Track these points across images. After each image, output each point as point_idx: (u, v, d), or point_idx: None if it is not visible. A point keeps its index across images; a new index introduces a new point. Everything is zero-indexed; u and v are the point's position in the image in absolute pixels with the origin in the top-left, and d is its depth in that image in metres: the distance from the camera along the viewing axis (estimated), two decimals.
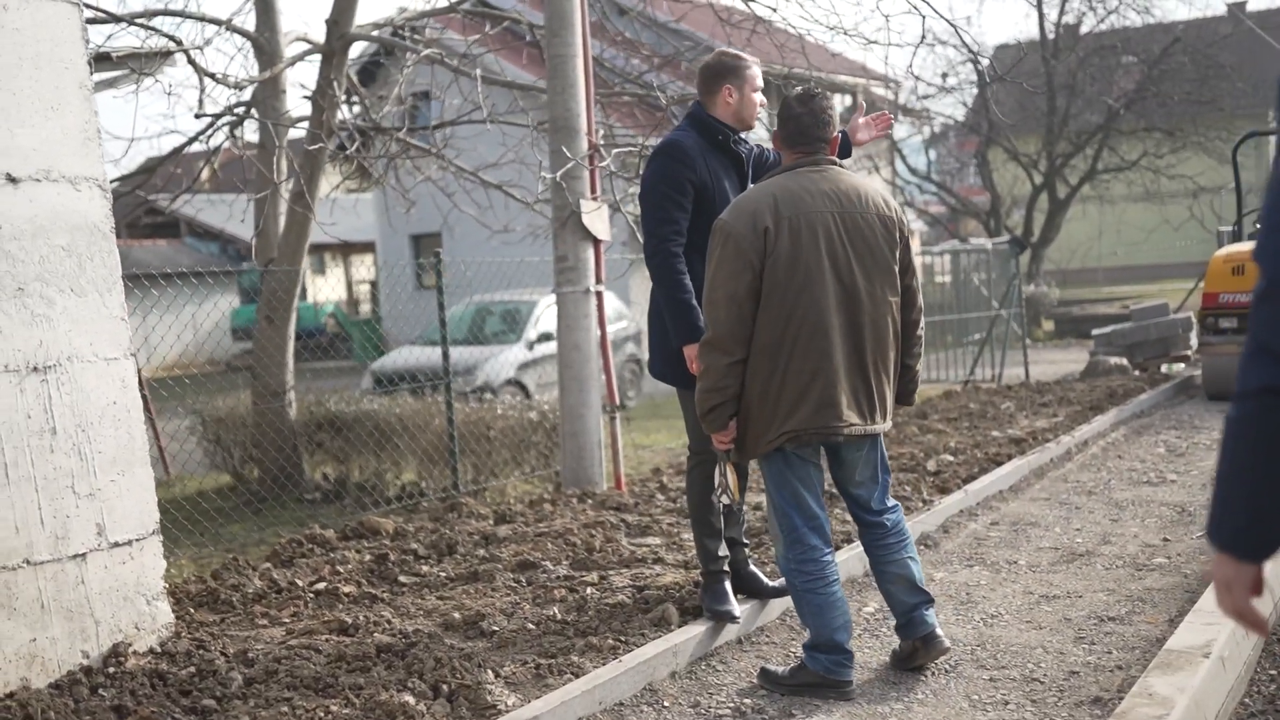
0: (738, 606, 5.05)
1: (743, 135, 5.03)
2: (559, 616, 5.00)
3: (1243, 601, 1.90)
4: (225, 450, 10.53)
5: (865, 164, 24.50)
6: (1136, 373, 13.80)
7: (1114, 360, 13.94)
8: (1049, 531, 6.90)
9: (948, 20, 8.79)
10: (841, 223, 4.11)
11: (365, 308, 33.49)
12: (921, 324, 4.43)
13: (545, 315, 15.29)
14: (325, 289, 32.60)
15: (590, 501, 7.33)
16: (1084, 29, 24.26)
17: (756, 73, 4.92)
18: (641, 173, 8.12)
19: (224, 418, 10.41)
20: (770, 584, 5.34)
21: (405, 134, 9.53)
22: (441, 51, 9.11)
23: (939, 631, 4.56)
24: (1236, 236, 13.47)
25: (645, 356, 18.17)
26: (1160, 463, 8.78)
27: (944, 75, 22.98)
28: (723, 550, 5.08)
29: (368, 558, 6.13)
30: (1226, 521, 1.89)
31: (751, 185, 4.24)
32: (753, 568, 5.36)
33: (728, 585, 5.09)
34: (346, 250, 31.92)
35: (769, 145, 5.03)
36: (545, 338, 15.10)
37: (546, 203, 11.21)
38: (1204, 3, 52.45)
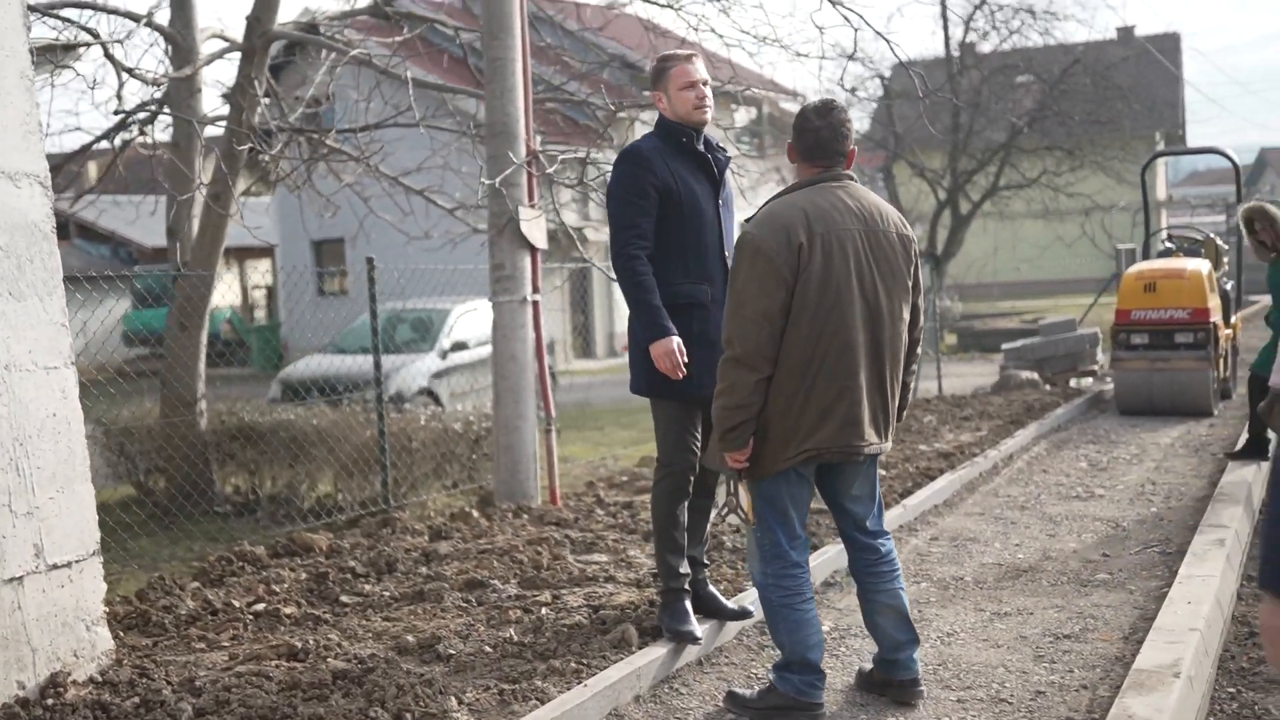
0: (699, 626, 4.93)
1: (716, 142, 4.96)
2: (516, 638, 4.82)
3: None
4: (129, 461, 10.10)
5: (773, 176, 24.63)
6: (1048, 387, 14.02)
7: (1025, 374, 14.15)
8: (989, 547, 6.91)
9: (882, 35, 8.79)
10: (867, 240, 4.03)
11: (261, 314, 32.73)
12: (920, 341, 4.37)
13: (459, 324, 15.04)
14: (220, 294, 31.76)
15: (527, 516, 7.15)
16: (987, 48, 24.72)
17: (686, 68, 4.84)
18: (584, 180, 8.06)
19: (128, 427, 9.99)
20: (729, 605, 5.23)
21: (331, 137, 9.24)
22: (369, 52, 8.86)
23: (920, 680, 4.47)
24: (1144, 254, 13.78)
25: (560, 366, 18.02)
26: (1085, 477, 8.87)
27: (853, 90, 23.20)
28: (684, 568, 4.96)
29: (304, 576, 5.88)
30: None
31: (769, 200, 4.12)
32: (711, 588, 5.24)
33: (688, 604, 4.97)
34: (242, 255, 31.17)
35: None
36: (459, 346, 14.85)
37: (470, 209, 11.03)
38: (1103, 25, 53.91)
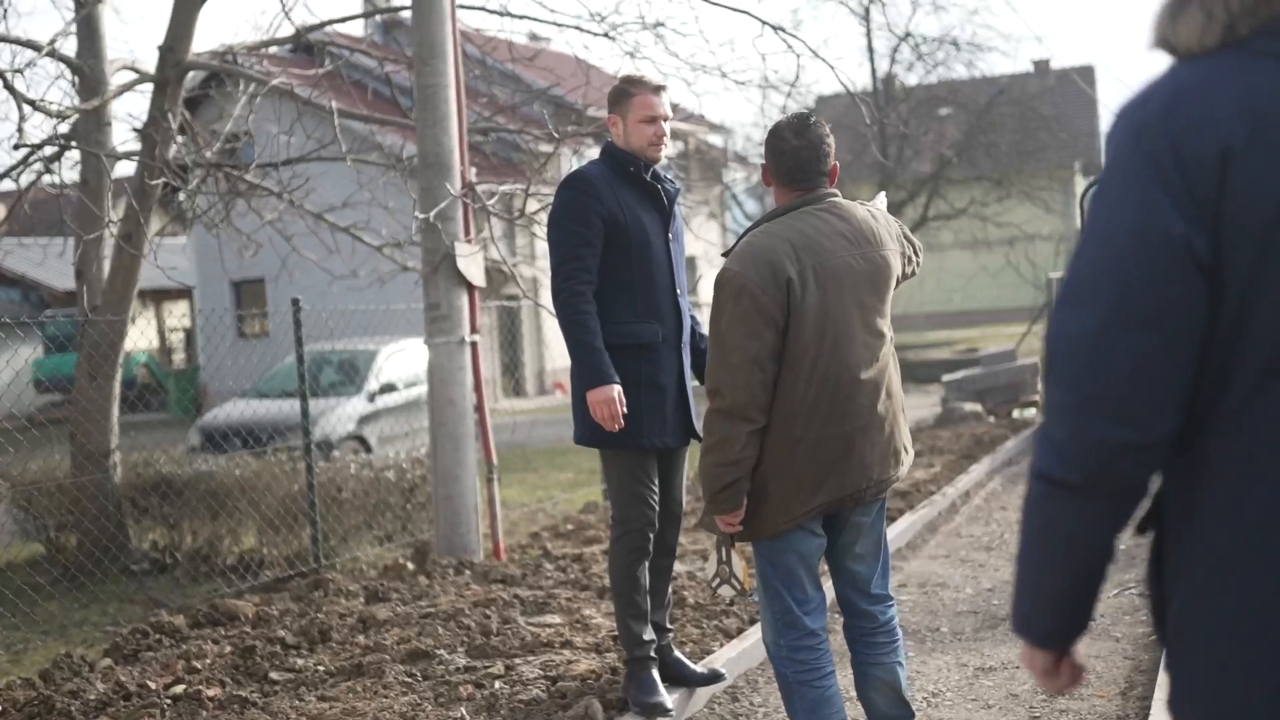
0: (669, 697, 4.50)
1: (664, 173, 4.59)
2: (469, 718, 4.35)
3: (1057, 684, 1.82)
4: (38, 517, 9.45)
5: (702, 209, 24.39)
6: (991, 419, 13.80)
7: (968, 406, 13.91)
8: (960, 593, 6.56)
9: (826, 62, 8.52)
10: (863, 265, 3.61)
11: (180, 358, 31.77)
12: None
13: (387, 365, 14.51)
14: (136, 338, 30.69)
15: (470, 573, 6.66)
16: (913, 80, 24.75)
17: (652, 100, 4.46)
18: (524, 212, 7.63)
19: (36, 480, 9.34)
20: (697, 670, 4.80)
21: (251, 172, 8.72)
22: (290, 83, 8.38)
23: None
24: None
25: (490, 405, 17.49)
26: None
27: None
28: (649, 634, 4.53)
29: (228, 650, 5.33)
30: (1017, 606, 1.80)
31: (755, 228, 3.68)
32: (677, 653, 4.81)
33: (656, 673, 4.54)
34: (159, 297, 30.25)
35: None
36: (387, 389, 14.32)
37: (398, 246, 10.55)
38: (1027, 56, 54.61)
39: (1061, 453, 1.61)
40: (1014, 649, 5.51)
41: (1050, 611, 1.76)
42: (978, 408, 13.90)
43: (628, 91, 4.44)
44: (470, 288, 7.06)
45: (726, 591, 3.68)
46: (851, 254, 3.60)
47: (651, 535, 4.43)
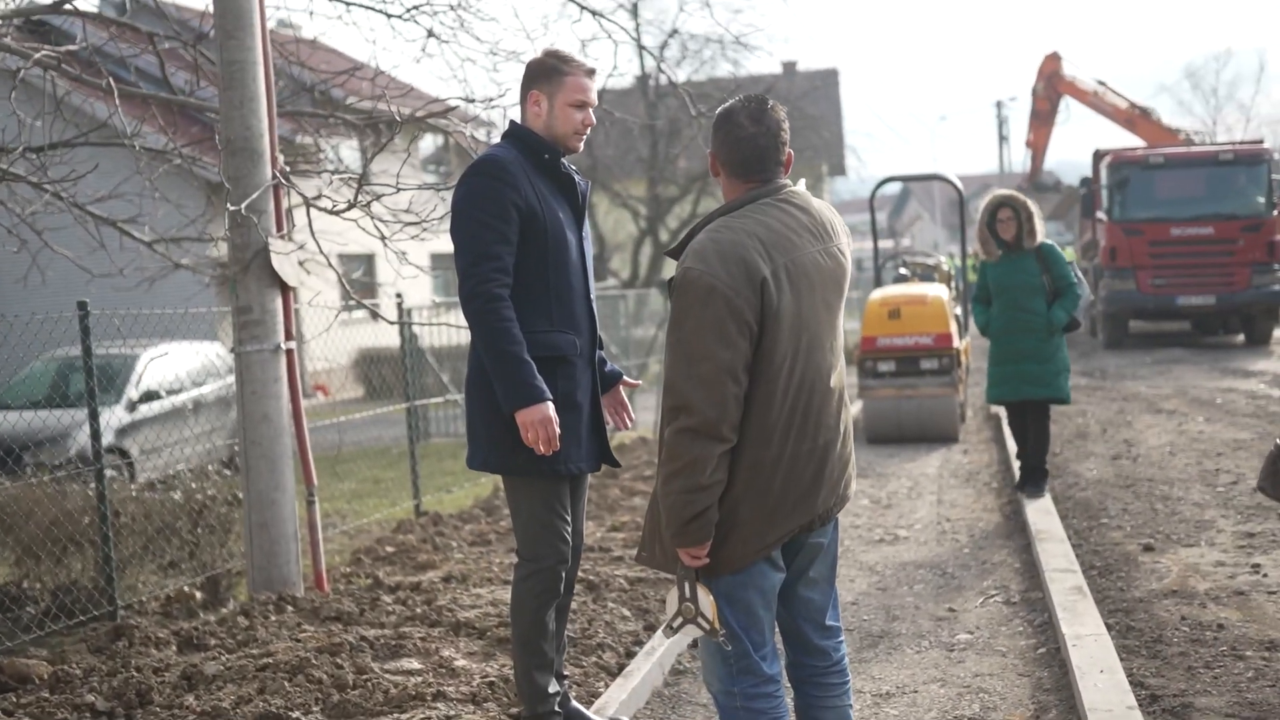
0: None
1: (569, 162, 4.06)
2: None
3: None
4: None
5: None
6: None
7: None
8: None
9: (650, 52, 8.11)
10: (828, 261, 3.22)
11: None
12: None
13: (149, 371, 13.31)
14: None
15: (294, 610, 5.90)
16: (681, 77, 24.69)
17: (585, 84, 3.96)
18: (355, 203, 6.84)
19: None
20: None
21: (14, 160, 7.62)
22: (58, 56, 7.33)
23: None
24: (877, 280, 13.76)
25: None
26: (876, 516, 8.43)
27: None
28: (554, 687, 4.01)
29: None
30: None
31: (712, 224, 3.17)
32: (575, 702, 4.29)
33: None
34: None
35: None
36: (149, 397, 13.14)
37: (174, 242, 9.58)
38: (791, 55, 55.93)
39: None
40: (904, 670, 5.24)
41: None
42: None
43: (559, 69, 3.89)
44: (285, 288, 6.31)
45: (692, 633, 3.19)
46: (817, 249, 3.22)
47: (564, 573, 3.91)
